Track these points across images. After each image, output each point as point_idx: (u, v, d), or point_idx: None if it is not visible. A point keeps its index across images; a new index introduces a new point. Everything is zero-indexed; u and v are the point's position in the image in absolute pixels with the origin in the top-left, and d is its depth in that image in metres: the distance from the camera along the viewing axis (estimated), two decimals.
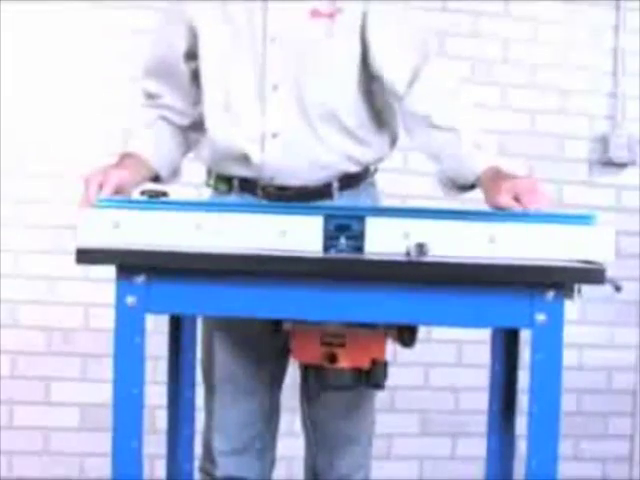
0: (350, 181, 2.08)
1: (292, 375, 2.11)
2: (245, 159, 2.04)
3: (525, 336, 1.72)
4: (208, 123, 2.08)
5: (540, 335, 1.57)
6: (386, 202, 2.21)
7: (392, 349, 1.89)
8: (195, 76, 2.11)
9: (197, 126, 2.15)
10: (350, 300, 1.59)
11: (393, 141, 2.14)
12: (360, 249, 1.61)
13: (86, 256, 1.55)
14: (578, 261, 1.61)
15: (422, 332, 1.83)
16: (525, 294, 1.57)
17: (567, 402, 1.71)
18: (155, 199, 1.74)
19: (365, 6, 2.01)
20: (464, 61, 3.64)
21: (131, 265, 1.56)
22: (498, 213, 1.70)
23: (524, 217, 1.66)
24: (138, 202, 1.72)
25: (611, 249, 1.62)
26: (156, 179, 2.11)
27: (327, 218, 1.61)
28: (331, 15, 2.00)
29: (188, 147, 2.20)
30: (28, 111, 3.38)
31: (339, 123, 2.04)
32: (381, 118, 2.10)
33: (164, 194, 1.79)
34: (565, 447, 1.69)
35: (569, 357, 1.63)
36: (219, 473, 2.12)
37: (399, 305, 1.60)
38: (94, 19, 3.41)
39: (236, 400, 2.11)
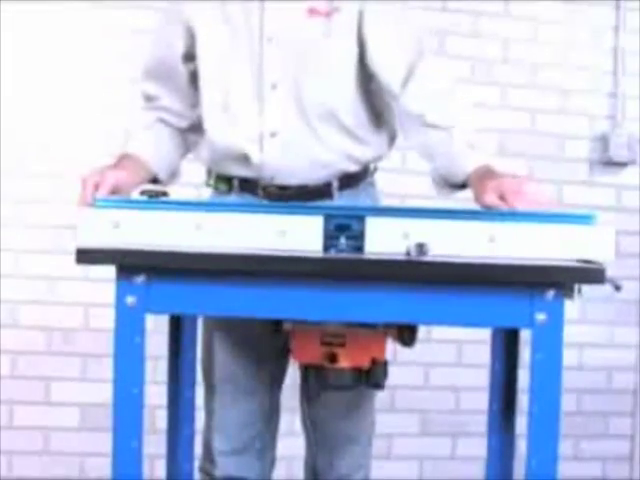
0: (350, 180, 2.08)
1: (292, 375, 2.11)
2: (244, 159, 2.04)
3: (525, 336, 1.72)
4: (207, 123, 2.08)
5: (540, 335, 1.57)
6: (385, 202, 2.21)
7: (392, 349, 1.89)
8: (193, 77, 2.11)
9: (196, 128, 2.15)
10: (350, 300, 1.59)
11: (392, 140, 2.14)
12: (360, 249, 1.61)
13: (86, 256, 1.55)
14: (578, 261, 1.61)
15: (422, 332, 1.83)
16: (525, 294, 1.57)
17: (567, 402, 1.71)
18: (155, 199, 1.74)
19: (361, 5, 2.01)
20: (464, 61, 3.64)
21: (131, 265, 1.56)
22: (498, 213, 1.70)
23: (524, 217, 1.66)
24: (138, 202, 1.72)
25: (611, 249, 1.62)
26: (154, 181, 2.11)
27: (327, 218, 1.61)
28: (328, 14, 2.01)
29: (187, 149, 2.20)
30: (28, 111, 3.38)
31: (338, 122, 2.04)
32: (380, 117, 2.10)
33: (164, 194, 1.79)
34: (565, 447, 1.70)
35: (569, 357, 1.63)
36: (219, 473, 2.12)
37: (399, 305, 1.60)
38: (94, 19, 3.41)
39: (236, 400, 2.11)
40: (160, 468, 2.25)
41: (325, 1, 2.01)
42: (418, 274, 1.58)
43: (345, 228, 1.61)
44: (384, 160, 2.16)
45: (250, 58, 2.02)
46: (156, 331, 1.95)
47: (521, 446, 1.71)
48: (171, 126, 2.17)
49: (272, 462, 2.19)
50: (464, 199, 2.02)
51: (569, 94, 3.74)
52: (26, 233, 3.39)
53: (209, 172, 2.14)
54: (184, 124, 2.17)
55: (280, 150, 2.02)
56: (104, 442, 1.72)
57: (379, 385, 1.88)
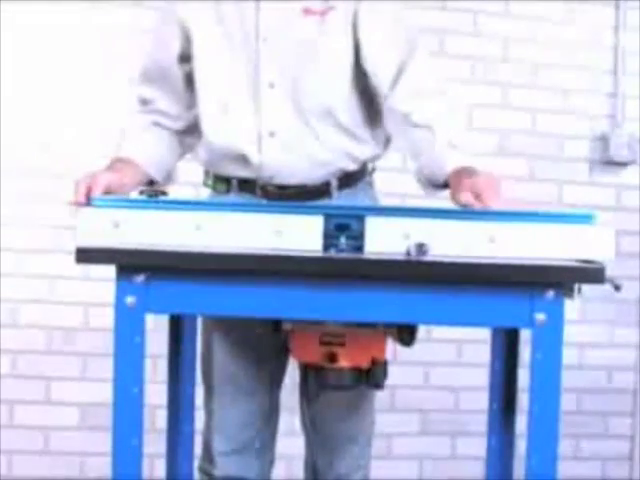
0: (348, 180, 2.08)
1: (292, 375, 2.11)
2: (243, 159, 2.04)
3: (525, 335, 1.72)
4: (204, 124, 2.08)
5: (540, 335, 1.57)
6: (385, 201, 2.21)
7: (392, 348, 1.89)
8: (189, 79, 2.11)
9: (192, 130, 2.15)
10: (350, 300, 1.59)
11: (388, 139, 2.15)
12: (360, 249, 1.61)
13: (86, 256, 1.55)
14: (578, 260, 1.61)
15: (422, 332, 1.84)
16: (525, 294, 1.57)
17: (567, 401, 1.71)
18: (155, 199, 1.75)
19: (356, 5, 2.01)
20: (464, 60, 3.64)
21: (131, 265, 1.56)
22: (498, 213, 1.70)
23: (524, 217, 1.66)
24: (138, 202, 1.72)
25: (611, 248, 1.62)
26: (150, 183, 2.10)
27: (327, 217, 1.61)
28: (323, 13, 2.01)
29: (183, 151, 2.20)
30: (28, 111, 3.38)
31: (335, 121, 2.04)
32: (376, 116, 2.10)
33: (163, 193, 1.80)
34: (565, 447, 1.70)
35: (569, 356, 1.63)
36: (218, 473, 2.12)
37: (399, 305, 1.60)
38: (94, 19, 3.41)
39: (236, 400, 2.11)
40: (160, 467, 2.26)
41: (320, 0, 2.01)
42: (418, 274, 1.58)
43: (345, 228, 1.61)
44: (383, 160, 2.17)
45: (246, 58, 2.02)
46: (156, 330, 1.95)
47: (521, 446, 1.72)
48: (167, 129, 2.16)
49: (271, 462, 2.19)
50: None
51: (569, 94, 3.74)
52: (26, 233, 3.39)
53: (207, 173, 2.14)
54: (180, 126, 2.17)
55: (279, 150, 2.02)
56: (104, 441, 1.72)
57: (379, 385, 1.88)
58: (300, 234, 1.61)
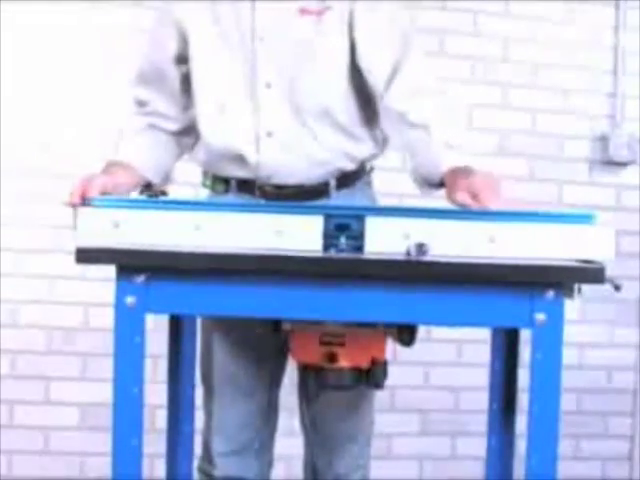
0: (347, 180, 2.09)
1: (291, 375, 2.11)
2: (241, 160, 2.04)
3: (525, 335, 1.72)
4: (202, 125, 2.08)
5: (540, 335, 1.57)
6: (384, 201, 2.21)
7: (392, 348, 1.89)
8: (186, 80, 2.11)
9: (189, 130, 2.15)
10: (350, 300, 1.59)
11: (386, 138, 2.15)
12: (360, 249, 1.61)
13: (86, 256, 1.55)
14: (578, 260, 1.61)
15: (422, 332, 1.83)
16: (525, 294, 1.57)
17: (567, 401, 1.71)
18: (154, 199, 1.75)
19: (352, 5, 2.01)
20: (464, 60, 3.64)
21: (131, 265, 1.56)
22: (498, 213, 1.70)
23: (524, 217, 1.66)
24: (137, 202, 1.72)
25: (611, 248, 1.62)
26: (147, 186, 2.10)
27: (327, 217, 1.61)
28: (319, 13, 2.01)
29: (180, 152, 2.20)
30: (28, 111, 3.38)
31: (332, 120, 2.04)
32: (373, 115, 2.10)
33: (163, 193, 1.79)
34: (565, 446, 1.70)
35: (569, 356, 1.63)
36: (218, 473, 2.12)
37: (399, 305, 1.60)
38: (94, 19, 3.41)
39: (235, 401, 2.11)
40: (160, 467, 2.26)
41: (316, 0, 2.01)
42: (418, 274, 1.58)
43: (345, 228, 1.61)
44: (382, 160, 2.17)
45: (243, 58, 2.02)
46: (156, 330, 1.95)
47: (521, 446, 1.72)
48: (163, 130, 2.16)
49: (270, 461, 2.19)
50: None
51: (569, 94, 3.74)
52: (26, 233, 3.39)
53: (205, 173, 2.14)
54: (176, 127, 2.16)
55: (276, 150, 2.02)
56: (104, 441, 1.72)
57: (379, 385, 1.88)
58: (300, 234, 1.61)
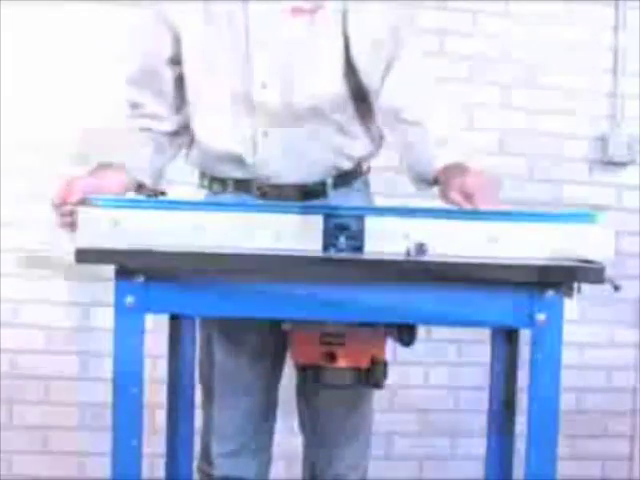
0: (344, 179, 2.09)
1: (291, 375, 2.11)
2: (238, 160, 2.04)
3: (525, 336, 1.71)
4: (197, 127, 2.08)
5: (540, 334, 1.57)
6: (385, 201, 2.20)
7: (392, 348, 1.89)
8: (179, 81, 2.10)
9: (181, 131, 2.15)
10: (350, 300, 1.59)
11: (382, 136, 2.15)
12: (360, 249, 1.61)
13: (85, 256, 1.55)
14: (578, 260, 1.61)
15: (422, 331, 1.83)
16: (525, 293, 1.57)
17: (567, 401, 1.71)
18: (154, 199, 1.75)
19: (344, 4, 2.01)
20: (464, 60, 3.64)
21: (130, 265, 1.56)
22: (498, 212, 1.70)
23: (524, 217, 1.66)
24: (138, 202, 1.72)
25: (611, 248, 1.62)
26: (139, 187, 2.09)
27: (327, 217, 1.61)
28: (312, 12, 2.01)
29: (174, 152, 2.20)
30: (28, 111, 3.38)
31: (328, 119, 2.05)
32: (370, 112, 2.10)
33: (162, 193, 1.80)
34: (564, 446, 1.69)
35: (569, 357, 1.63)
36: (216, 473, 2.12)
37: (399, 305, 1.60)
38: (94, 19, 3.41)
39: (234, 401, 2.11)
40: (160, 467, 2.25)
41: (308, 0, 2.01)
42: (418, 274, 1.58)
43: (345, 228, 1.61)
44: (383, 160, 2.17)
45: (237, 59, 2.02)
46: (156, 330, 1.95)
47: (521, 446, 1.71)
48: (156, 131, 2.15)
49: (269, 461, 2.19)
50: None
51: (569, 94, 3.73)
52: (26, 232, 3.38)
53: (202, 175, 2.14)
54: (169, 128, 2.16)
55: (273, 150, 2.02)
56: (104, 441, 1.72)
57: (378, 385, 1.88)
58: (300, 234, 1.61)
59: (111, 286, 1.58)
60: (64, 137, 3.40)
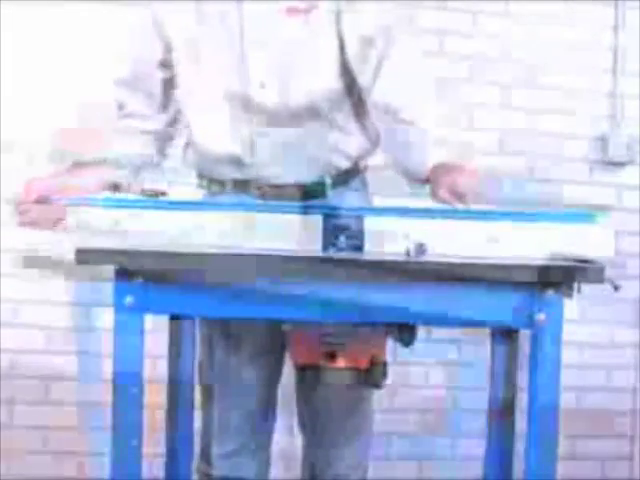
0: (342, 178, 2.09)
1: (292, 374, 2.11)
2: (237, 161, 2.05)
3: (525, 336, 1.71)
4: (194, 129, 2.08)
5: (540, 334, 1.57)
6: (384, 202, 2.20)
7: (392, 348, 1.89)
8: (167, 83, 2.11)
9: (167, 129, 2.16)
10: (350, 300, 1.59)
11: (378, 135, 2.15)
12: (359, 248, 1.61)
13: (85, 256, 1.55)
14: (578, 260, 1.61)
15: (422, 331, 1.83)
16: (525, 293, 1.57)
17: (566, 401, 1.71)
18: (154, 199, 1.74)
19: (338, 4, 2.02)
20: (464, 60, 3.64)
21: (130, 265, 1.56)
22: (498, 212, 1.70)
23: (524, 217, 1.66)
24: (137, 202, 1.72)
25: (611, 248, 1.62)
26: (116, 187, 2.09)
27: (326, 217, 1.61)
28: (307, 12, 2.01)
29: (159, 149, 2.20)
30: (28, 111, 3.38)
31: (324, 117, 2.05)
32: (365, 110, 2.10)
33: (163, 193, 1.79)
34: (564, 446, 1.69)
35: (569, 356, 1.63)
36: (216, 473, 2.12)
37: (399, 305, 1.60)
38: (94, 18, 3.41)
39: (234, 403, 2.11)
40: (159, 468, 2.25)
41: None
42: (418, 274, 1.58)
43: (344, 227, 1.61)
44: (382, 160, 2.16)
45: (232, 59, 2.01)
46: (156, 330, 1.95)
47: (521, 446, 1.71)
48: (140, 130, 2.16)
49: (268, 461, 2.19)
50: None
51: (569, 94, 3.73)
52: (26, 232, 3.38)
53: (201, 176, 2.14)
54: (154, 127, 2.17)
55: (271, 150, 2.02)
56: (104, 441, 1.72)
57: (378, 385, 1.88)
58: (300, 234, 1.61)
59: (111, 286, 1.57)
60: (65, 136, 3.40)
